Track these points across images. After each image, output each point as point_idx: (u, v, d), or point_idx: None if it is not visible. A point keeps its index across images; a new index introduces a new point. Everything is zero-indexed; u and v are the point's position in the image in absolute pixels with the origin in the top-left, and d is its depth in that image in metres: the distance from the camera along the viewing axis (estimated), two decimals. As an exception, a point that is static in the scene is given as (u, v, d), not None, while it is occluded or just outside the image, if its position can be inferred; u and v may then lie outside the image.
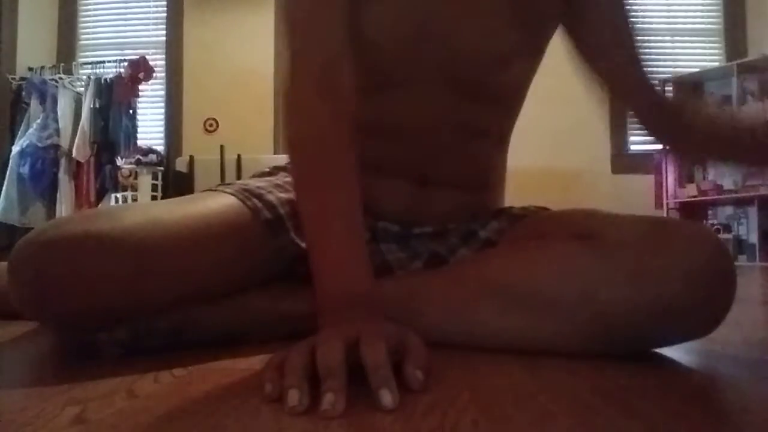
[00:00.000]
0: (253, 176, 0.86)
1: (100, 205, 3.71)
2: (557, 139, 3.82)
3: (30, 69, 3.97)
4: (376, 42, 0.73)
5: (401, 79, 0.75)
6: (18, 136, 3.71)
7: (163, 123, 4.24)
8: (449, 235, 0.80)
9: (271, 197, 0.74)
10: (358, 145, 0.70)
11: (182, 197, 0.75)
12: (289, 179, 0.79)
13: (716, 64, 3.91)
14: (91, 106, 3.78)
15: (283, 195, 0.76)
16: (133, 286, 0.60)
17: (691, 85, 3.82)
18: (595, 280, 0.59)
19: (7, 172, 3.62)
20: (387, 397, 0.42)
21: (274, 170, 0.86)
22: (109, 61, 3.98)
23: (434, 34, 0.73)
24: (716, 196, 3.63)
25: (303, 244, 0.71)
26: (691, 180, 3.81)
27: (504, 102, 0.82)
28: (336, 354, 0.44)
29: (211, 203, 0.71)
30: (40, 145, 3.63)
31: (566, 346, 0.61)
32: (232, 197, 0.73)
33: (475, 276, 0.68)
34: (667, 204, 3.74)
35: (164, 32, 4.30)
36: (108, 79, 3.86)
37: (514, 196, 0.84)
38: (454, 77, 0.75)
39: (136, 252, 0.59)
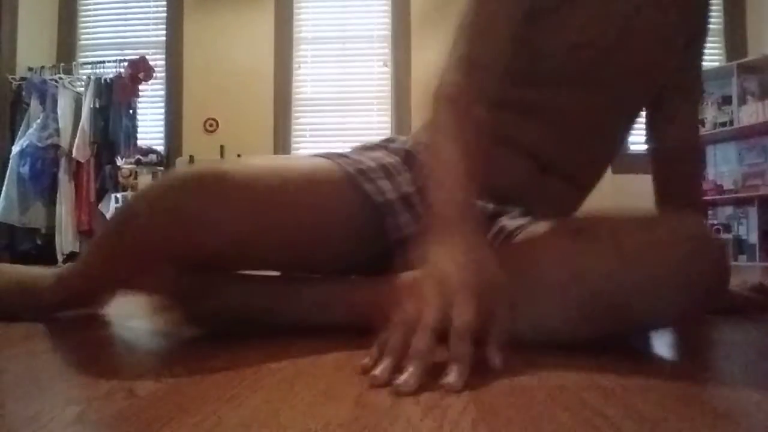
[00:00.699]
0: (359, 149, 0.89)
1: (100, 205, 3.71)
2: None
3: (30, 69, 3.97)
4: (576, 44, 0.79)
5: (585, 74, 0.81)
6: (18, 136, 3.72)
7: (163, 123, 4.24)
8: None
9: (382, 183, 0.78)
10: (495, 118, 0.76)
11: (303, 157, 0.82)
12: (392, 160, 0.83)
13: (716, 64, 3.91)
14: (91, 106, 3.79)
15: (387, 182, 0.79)
16: (248, 226, 0.66)
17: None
18: (585, 262, 0.63)
19: (7, 172, 3.62)
20: (454, 376, 0.46)
21: (377, 147, 0.88)
22: (109, 61, 3.98)
23: (630, 42, 0.81)
24: (716, 196, 3.63)
25: (405, 231, 0.77)
26: (691, 180, 3.81)
27: (640, 109, 0.93)
28: (427, 340, 0.48)
29: (330, 176, 0.75)
30: (40, 145, 3.63)
31: (559, 328, 0.64)
32: (331, 162, 0.77)
33: None
34: (667, 204, 3.74)
35: (164, 32, 4.31)
36: (108, 79, 3.86)
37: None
38: (628, 82, 0.84)
39: (257, 192, 0.66)
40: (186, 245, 0.66)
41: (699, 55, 0.98)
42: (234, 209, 0.66)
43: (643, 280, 0.61)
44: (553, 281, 0.65)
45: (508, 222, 0.81)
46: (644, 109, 0.98)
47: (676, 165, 1.00)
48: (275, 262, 0.78)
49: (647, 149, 1.03)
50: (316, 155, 0.81)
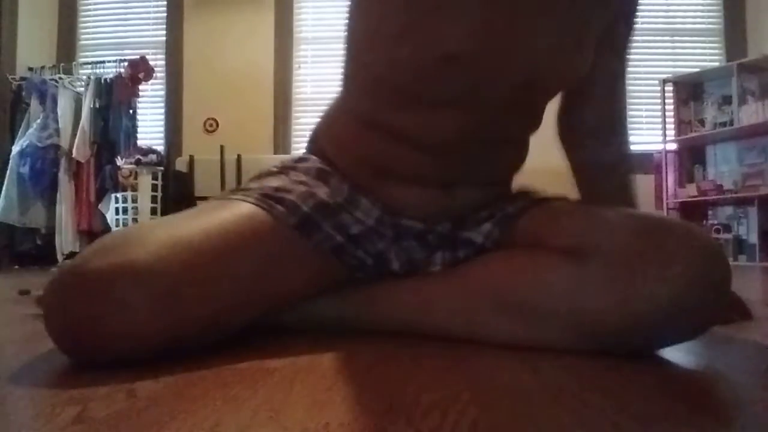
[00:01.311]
0: (261, 176, 0.82)
1: (100, 205, 3.71)
2: (558, 138, 3.80)
3: (30, 69, 3.97)
4: (454, 55, 0.70)
5: (465, 94, 0.73)
6: (18, 136, 3.71)
7: (163, 123, 4.24)
8: (463, 226, 0.80)
9: (291, 197, 0.73)
10: (386, 153, 0.76)
11: (198, 209, 0.72)
12: (304, 178, 0.78)
13: (716, 64, 3.91)
14: (91, 106, 3.78)
15: (302, 188, 0.75)
16: (167, 313, 0.57)
17: (691, 85, 3.82)
18: (584, 300, 0.62)
19: (7, 172, 3.61)
20: None
21: (284, 170, 0.82)
22: (109, 61, 3.97)
23: (515, 50, 0.71)
24: (716, 196, 3.63)
25: (339, 237, 0.74)
26: (691, 180, 3.81)
27: (542, 113, 0.84)
28: None
29: (232, 215, 0.68)
30: (40, 145, 3.62)
31: (559, 347, 0.64)
32: (254, 206, 0.71)
33: (474, 284, 0.71)
34: (667, 204, 3.74)
35: (164, 32, 4.30)
36: (108, 79, 3.85)
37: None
38: (524, 94, 0.75)
39: (162, 283, 0.57)
40: (111, 339, 0.56)
41: (618, 49, 0.86)
42: (144, 299, 0.56)
43: (647, 320, 0.59)
44: (548, 313, 0.64)
45: (473, 234, 0.78)
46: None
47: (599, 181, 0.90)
48: (242, 319, 0.69)
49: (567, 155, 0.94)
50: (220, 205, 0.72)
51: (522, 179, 0.90)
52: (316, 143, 0.88)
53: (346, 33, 0.80)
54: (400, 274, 0.79)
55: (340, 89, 0.86)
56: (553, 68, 0.74)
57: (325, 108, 0.90)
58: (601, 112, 0.89)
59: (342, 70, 0.83)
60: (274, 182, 0.76)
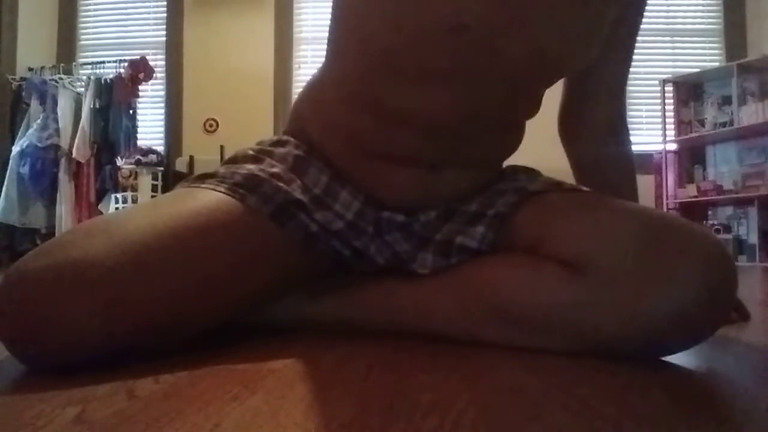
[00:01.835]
0: (236, 160, 0.77)
1: (100, 205, 3.71)
2: (558, 138, 3.80)
3: (30, 69, 3.97)
4: (466, 26, 0.65)
5: (463, 67, 0.68)
6: (18, 136, 3.71)
7: (163, 123, 4.24)
8: (451, 218, 0.77)
9: (264, 188, 0.69)
10: (374, 132, 0.72)
11: (166, 197, 0.68)
12: (279, 169, 0.73)
13: (716, 64, 3.91)
14: (91, 106, 3.78)
15: (275, 182, 0.71)
16: (110, 318, 0.53)
17: (691, 85, 3.82)
18: (584, 315, 0.60)
19: (7, 172, 3.61)
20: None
21: (260, 154, 0.77)
22: (109, 62, 3.98)
23: (525, 28, 0.67)
24: (716, 196, 3.63)
25: (313, 227, 0.71)
26: (691, 180, 3.81)
27: (539, 99, 0.80)
28: None
29: (199, 206, 0.64)
30: (40, 145, 3.62)
31: (560, 353, 0.63)
32: (224, 195, 0.67)
33: (473, 294, 0.69)
34: (667, 204, 3.74)
35: (164, 33, 4.30)
36: (108, 80, 3.85)
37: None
38: (528, 72, 0.72)
39: (106, 284, 0.53)
40: (51, 344, 0.52)
41: (623, 48, 0.85)
42: (81, 306, 0.52)
43: (648, 335, 0.58)
44: (549, 326, 0.63)
45: (467, 240, 0.74)
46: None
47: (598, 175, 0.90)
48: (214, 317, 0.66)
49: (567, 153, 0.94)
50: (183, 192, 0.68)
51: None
52: (297, 122, 0.82)
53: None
54: (388, 268, 0.76)
55: (325, 60, 0.80)
56: (558, 52, 0.71)
57: (308, 80, 0.84)
58: (604, 110, 0.88)
59: (329, 37, 0.78)
60: (246, 170, 0.72)
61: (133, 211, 0.64)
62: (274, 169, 0.73)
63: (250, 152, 0.77)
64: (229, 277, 0.64)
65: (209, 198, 0.66)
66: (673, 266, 0.57)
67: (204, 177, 0.72)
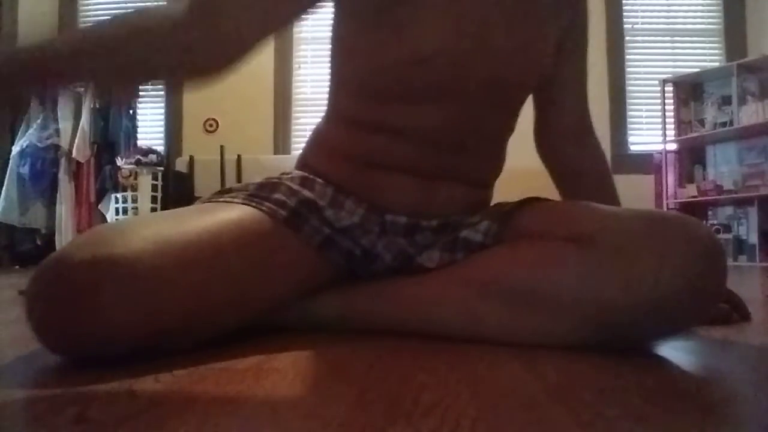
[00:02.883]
0: (241, 186, 0.82)
1: (100, 205, 3.71)
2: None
3: (30, 69, 3.97)
4: (426, 58, 0.74)
5: (441, 91, 0.77)
6: (18, 136, 3.71)
7: (163, 123, 4.24)
8: (451, 229, 0.81)
9: (277, 195, 0.75)
10: (370, 143, 0.78)
11: (189, 209, 0.72)
12: (288, 183, 0.79)
13: (716, 64, 3.91)
14: (91, 106, 3.78)
15: (286, 188, 0.77)
16: (149, 314, 0.56)
17: (691, 85, 3.83)
18: (590, 285, 0.63)
19: (7, 172, 3.61)
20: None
21: (268, 179, 0.82)
22: (109, 62, 3.97)
23: (488, 49, 0.77)
24: (716, 196, 3.63)
25: (326, 229, 0.76)
26: (691, 180, 3.81)
27: (518, 108, 0.87)
28: None
29: (223, 215, 0.68)
30: (40, 145, 3.62)
31: (560, 341, 0.66)
32: (243, 205, 0.72)
33: (476, 277, 0.72)
34: (667, 204, 3.74)
35: (164, 32, 4.30)
36: (108, 80, 3.85)
37: (513, 197, 0.84)
38: (492, 90, 0.79)
39: (150, 282, 0.56)
40: (90, 334, 0.55)
41: (578, 50, 0.92)
42: (126, 297, 0.55)
43: (650, 304, 0.61)
44: (554, 304, 0.65)
45: (471, 234, 0.78)
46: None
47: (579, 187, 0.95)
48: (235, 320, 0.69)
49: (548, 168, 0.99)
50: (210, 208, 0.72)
51: (515, 180, 0.91)
52: (299, 162, 0.88)
53: (330, 46, 0.86)
54: (394, 267, 0.80)
55: (327, 104, 0.88)
56: (515, 66, 0.80)
57: (316, 125, 0.90)
58: (573, 117, 0.94)
59: (329, 81, 0.88)
60: (257, 185, 0.78)
61: (161, 216, 0.67)
62: (285, 183, 0.79)
63: (254, 184, 0.81)
64: (258, 281, 0.68)
65: (230, 208, 0.71)
66: (672, 235, 0.62)
67: (219, 194, 0.78)
